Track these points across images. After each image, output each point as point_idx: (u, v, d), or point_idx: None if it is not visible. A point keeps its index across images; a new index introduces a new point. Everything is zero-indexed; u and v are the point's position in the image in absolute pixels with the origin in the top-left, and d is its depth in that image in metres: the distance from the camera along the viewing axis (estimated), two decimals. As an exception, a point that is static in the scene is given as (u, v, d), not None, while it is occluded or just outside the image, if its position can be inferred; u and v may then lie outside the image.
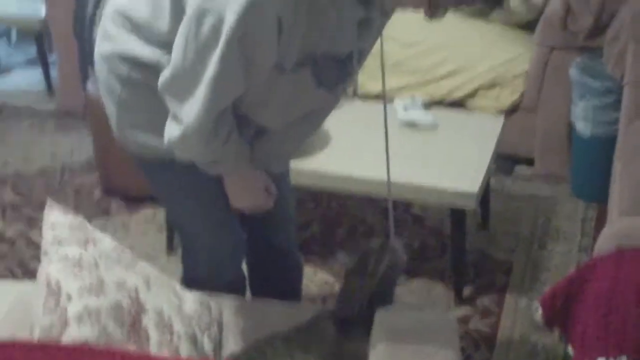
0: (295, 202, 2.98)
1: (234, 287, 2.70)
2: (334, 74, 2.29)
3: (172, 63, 2.13)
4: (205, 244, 2.66)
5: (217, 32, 2.01)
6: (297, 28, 2.08)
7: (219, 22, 1.99)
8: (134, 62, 2.30)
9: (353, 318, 2.48)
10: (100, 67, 2.43)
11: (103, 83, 2.44)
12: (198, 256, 2.71)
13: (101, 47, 2.42)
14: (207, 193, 2.48)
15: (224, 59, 2.03)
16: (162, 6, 2.20)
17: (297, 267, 3.01)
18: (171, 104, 2.18)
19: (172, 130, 2.20)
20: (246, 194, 2.47)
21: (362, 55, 2.41)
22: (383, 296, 2.46)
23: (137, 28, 2.29)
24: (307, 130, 2.56)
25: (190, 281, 2.66)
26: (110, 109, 2.45)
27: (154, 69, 2.24)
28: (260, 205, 2.51)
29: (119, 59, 2.33)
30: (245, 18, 1.97)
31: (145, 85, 2.30)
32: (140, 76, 2.31)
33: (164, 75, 2.15)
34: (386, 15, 2.39)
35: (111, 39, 2.36)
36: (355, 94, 3.02)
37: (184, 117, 2.14)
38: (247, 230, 2.72)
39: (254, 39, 2.03)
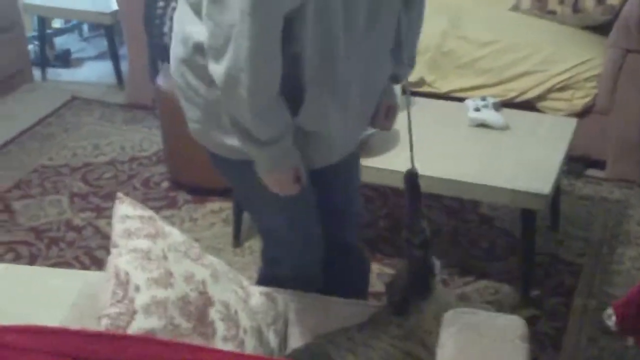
0: (362, 199, 2.96)
1: (310, 290, 2.68)
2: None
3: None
4: (286, 243, 2.65)
5: None
6: None
7: None
8: None
9: (403, 298, 2.46)
10: (180, 70, 2.38)
11: (184, 87, 2.40)
12: (280, 256, 2.71)
13: (178, 50, 2.37)
14: None
15: None
16: None
17: (363, 264, 3.01)
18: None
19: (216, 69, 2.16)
20: (275, 181, 2.39)
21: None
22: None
23: None
24: (350, 113, 2.42)
25: (268, 280, 2.66)
26: (193, 113, 2.42)
27: None
28: (284, 193, 2.43)
29: (201, 56, 2.25)
30: None
31: None
32: None
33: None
34: None
35: (191, 39, 2.30)
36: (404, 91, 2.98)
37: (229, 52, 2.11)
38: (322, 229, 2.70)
39: None
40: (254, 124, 2.20)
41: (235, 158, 2.38)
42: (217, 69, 2.14)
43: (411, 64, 2.67)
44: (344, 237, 2.87)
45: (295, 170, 2.37)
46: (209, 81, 2.26)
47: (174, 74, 2.43)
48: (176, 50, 2.39)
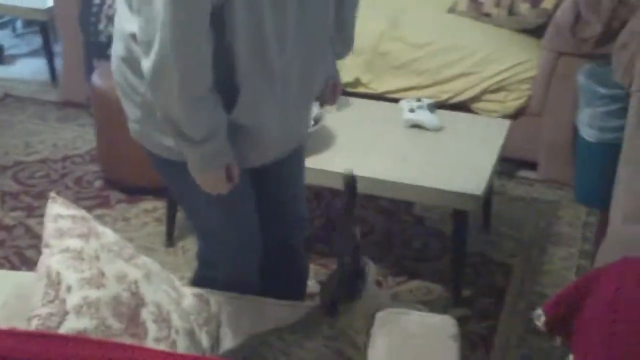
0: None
1: (247, 290, 2.67)
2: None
3: None
4: (224, 245, 2.64)
5: None
6: None
7: None
8: None
9: (333, 300, 2.47)
10: (121, 69, 2.37)
11: (124, 85, 2.38)
12: (216, 258, 2.69)
13: (118, 48, 2.36)
14: (226, 195, 2.41)
15: None
16: None
17: (304, 269, 3.01)
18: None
19: (145, 63, 2.14)
20: (206, 180, 2.36)
21: None
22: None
23: None
24: (283, 107, 2.38)
25: (202, 280, 2.65)
26: (134, 113, 2.41)
27: None
28: (215, 191, 2.40)
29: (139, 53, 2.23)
30: None
31: None
32: None
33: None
34: None
35: (128, 36, 2.28)
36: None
37: (156, 44, 2.08)
38: (263, 230, 2.69)
39: None
40: (184, 119, 2.17)
41: (174, 159, 2.37)
42: (146, 64, 2.12)
43: (350, 45, 2.69)
44: (288, 239, 2.87)
45: (227, 169, 2.36)
46: None
47: (115, 72, 2.42)
48: (116, 49, 2.37)
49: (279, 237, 2.81)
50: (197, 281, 2.70)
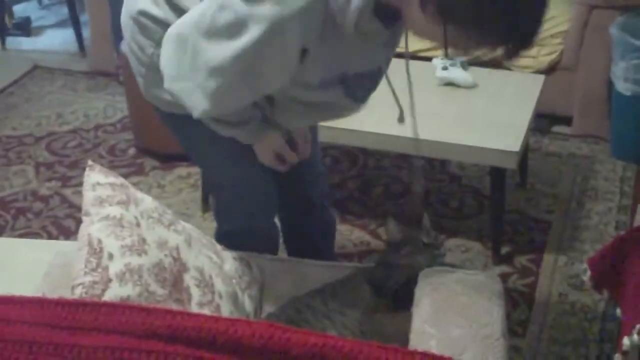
0: (323, 157, 2.96)
1: (266, 243, 2.71)
2: (365, 87, 2.36)
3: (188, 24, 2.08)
4: (236, 195, 2.65)
5: (234, 31, 1.97)
6: (322, 55, 2.07)
7: (239, 25, 1.95)
8: (167, 24, 2.23)
9: (388, 290, 2.44)
10: (130, 27, 2.36)
11: (131, 42, 2.38)
12: (230, 209, 2.71)
13: (131, 8, 2.35)
14: (234, 145, 2.42)
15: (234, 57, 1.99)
16: None
17: (329, 222, 3.01)
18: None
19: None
20: (261, 153, 2.47)
21: (389, 60, 2.49)
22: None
23: None
24: (316, 119, 2.54)
25: (223, 236, 2.66)
26: (138, 69, 2.41)
27: None
28: (274, 167, 2.52)
29: (153, 20, 2.27)
30: (267, 35, 1.93)
31: None
32: None
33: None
34: None
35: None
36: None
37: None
38: (280, 186, 2.70)
39: (265, 56, 1.99)
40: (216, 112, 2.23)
41: (177, 112, 2.36)
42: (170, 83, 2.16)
43: None
44: (310, 196, 2.87)
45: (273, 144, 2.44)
46: (157, 42, 2.25)
47: (124, 28, 2.41)
48: (128, 5, 2.36)
49: (301, 195, 2.84)
50: (216, 237, 2.70)
